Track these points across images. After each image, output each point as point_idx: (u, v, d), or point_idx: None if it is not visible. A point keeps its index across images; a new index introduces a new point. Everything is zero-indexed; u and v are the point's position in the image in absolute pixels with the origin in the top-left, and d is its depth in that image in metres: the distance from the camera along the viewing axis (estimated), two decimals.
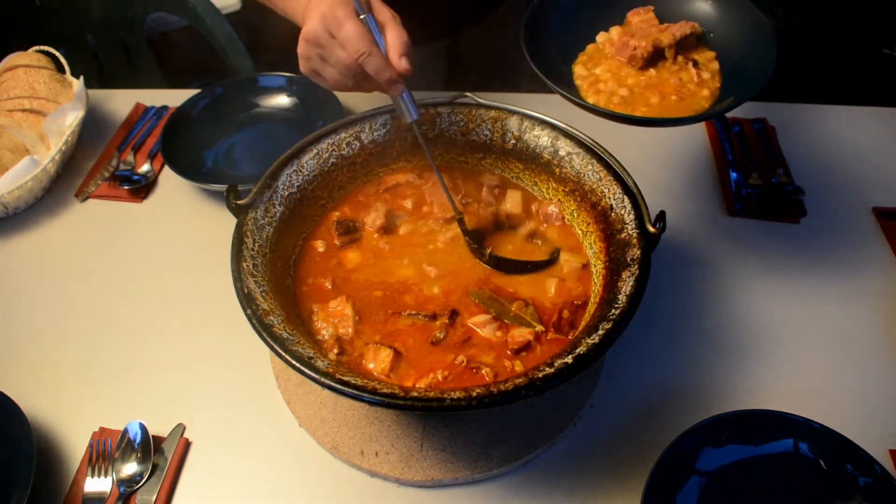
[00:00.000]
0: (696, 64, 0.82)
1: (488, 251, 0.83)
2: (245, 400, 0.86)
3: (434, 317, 0.78)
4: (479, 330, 0.77)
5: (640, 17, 0.89)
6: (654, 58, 0.84)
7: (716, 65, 0.83)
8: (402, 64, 0.80)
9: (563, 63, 0.87)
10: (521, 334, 0.75)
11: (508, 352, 0.75)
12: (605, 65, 0.85)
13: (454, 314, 0.77)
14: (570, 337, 0.75)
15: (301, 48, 0.82)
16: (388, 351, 0.73)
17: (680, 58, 0.83)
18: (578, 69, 0.86)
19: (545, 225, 0.88)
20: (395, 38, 0.80)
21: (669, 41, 0.83)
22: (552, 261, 0.84)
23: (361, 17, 0.79)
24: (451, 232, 0.87)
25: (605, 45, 0.88)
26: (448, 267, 0.84)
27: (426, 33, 1.27)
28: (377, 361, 0.73)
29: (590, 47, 0.89)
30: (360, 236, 0.87)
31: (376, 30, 0.80)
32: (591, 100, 0.81)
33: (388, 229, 0.87)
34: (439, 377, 0.72)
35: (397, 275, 0.83)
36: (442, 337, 0.76)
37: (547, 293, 0.81)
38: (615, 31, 0.89)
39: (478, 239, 0.85)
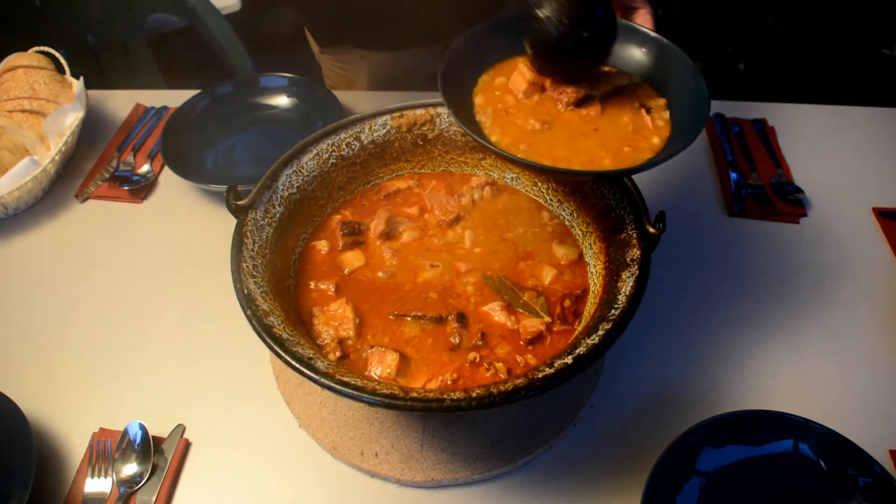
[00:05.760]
0: (648, 111, 0.76)
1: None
2: (245, 400, 0.86)
3: (440, 319, 0.77)
4: (493, 314, 0.77)
5: None
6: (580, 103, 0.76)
7: (667, 113, 0.76)
8: None
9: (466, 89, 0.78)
10: (532, 324, 0.76)
11: (521, 342, 0.75)
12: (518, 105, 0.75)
13: (461, 317, 0.77)
14: (575, 327, 0.76)
15: None
16: (395, 355, 0.73)
17: (635, 103, 0.76)
18: (478, 98, 0.77)
19: None
20: None
21: (605, 90, 0.75)
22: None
23: None
24: (473, 244, 0.87)
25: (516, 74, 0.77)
26: (475, 263, 0.84)
27: (427, 35, 1.28)
28: (383, 365, 0.72)
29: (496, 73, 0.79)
30: (364, 239, 0.87)
31: None
32: (494, 138, 0.72)
33: (389, 235, 0.87)
34: (448, 381, 0.71)
35: (417, 278, 0.82)
36: (458, 342, 0.75)
37: (544, 279, 0.81)
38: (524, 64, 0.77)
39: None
